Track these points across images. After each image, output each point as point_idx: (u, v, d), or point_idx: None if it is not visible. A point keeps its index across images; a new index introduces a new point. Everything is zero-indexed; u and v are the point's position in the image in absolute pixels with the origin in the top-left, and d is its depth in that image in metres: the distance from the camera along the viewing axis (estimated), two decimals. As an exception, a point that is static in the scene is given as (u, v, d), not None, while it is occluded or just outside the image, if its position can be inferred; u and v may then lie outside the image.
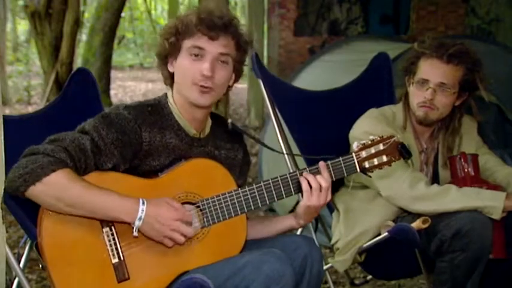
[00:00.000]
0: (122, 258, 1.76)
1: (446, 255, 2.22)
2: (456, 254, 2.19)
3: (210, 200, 1.84)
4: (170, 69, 1.92)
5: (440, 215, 2.24)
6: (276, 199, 1.88)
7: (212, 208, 1.84)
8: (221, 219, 1.85)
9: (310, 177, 1.87)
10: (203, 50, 1.86)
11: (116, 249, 1.76)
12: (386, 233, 2.30)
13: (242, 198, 1.85)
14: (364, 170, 1.93)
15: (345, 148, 2.44)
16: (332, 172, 1.90)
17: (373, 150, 1.93)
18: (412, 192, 2.31)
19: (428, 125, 2.45)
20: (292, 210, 2.12)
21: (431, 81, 2.37)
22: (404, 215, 2.39)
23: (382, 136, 1.96)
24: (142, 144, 1.82)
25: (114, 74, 11.72)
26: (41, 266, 1.82)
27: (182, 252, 1.81)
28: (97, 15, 9.56)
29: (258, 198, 1.86)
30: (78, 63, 9.83)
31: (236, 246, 1.88)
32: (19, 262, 2.02)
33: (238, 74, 1.96)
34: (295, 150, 2.58)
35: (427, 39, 2.46)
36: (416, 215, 2.28)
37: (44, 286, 3.27)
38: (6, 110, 8.98)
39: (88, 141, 1.76)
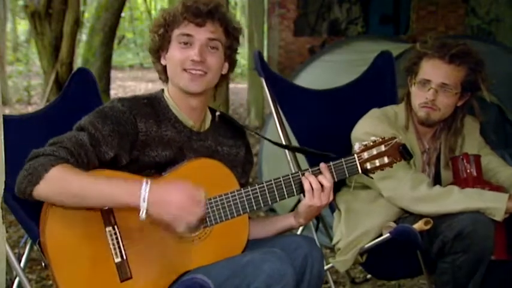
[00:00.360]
0: (124, 258, 1.76)
1: (448, 257, 2.21)
2: (458, 255, 2.19)
3: (212, 200, 1.84)
4: (163, 62, 1.93)
5: (442, 216, 2.23)
6: (278, 199, 1.88)
7: (215, 208, 1.84)
8: (223, 219, 1.85)
9: (312, 178, 1.87)
10: (191, 37, 1.87)
11: (119, 248, 1.75)
12: (388, 234, 2.29)
13: (245, 199, 1.85)
14: (365, 171, 1.93)
15: (346, 147, 2.43)
16: (334, 173, 1.91)
17: (374, 152, 1.94)
18: (414, 193, 2.30)
19: (430, 126, 2.45)
20: (293, 210, 2.11)
21: (433, 81, 2.37)
22: (406, 215, 2.39)
23: (384, 137, 1.96)
24: (139, 134, 1.83)
25: (114, 74, 11.72)
26: (43, 264, 1.83)
27: (184, 252, 1.81)
28: (97, 15, 9.55)
29: (260, 198, 1.86)
30: (78, 63, 9.82)
31: (238, 246, 1.88)
32: (19, 262, 2.02)
33: (231, 62, 1.97)
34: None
35: (429, 39, 2.45)
36: (418, 216, 2.28)
37: (44, 286, 3.27)
38: (6, 110, 8.98)
39: (85, 136, 1.77)
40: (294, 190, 1.89)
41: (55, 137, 1.78)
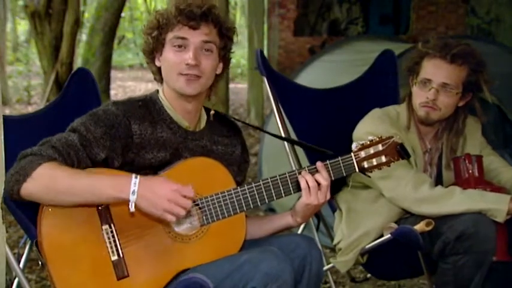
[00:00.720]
0: (121, 256, 1.76)
1: (449, 257, 2.21)
2: (459, 257, 2.19)
3: (209, 199, 1.84)
4: (157, 64, 1.94)
5: (444, 217, 2.23)
6: (275, 198, 1.88)
7: (211, 206, 1.84)
8: (220, 217, 1.85)
9: (309, 176, 1.87)
10: (185, 39, 1.87)
11: (115, 246, 1.75)
12: (389, 235, 2.29)
13: (241, 197, 1.86)
14: (363, 170, 1.94)
15: (348, 146, 2.43)
16: (331, 171, 1.91)
17: (372, 151, 1.94)
18: (416, 194, 2.30)
19: (430, 125, 2.45)
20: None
21: (434, 81, 2.37)
22: (407, 216, 2.38)
23: (381, 137, 1.96)
24: (133, 137, 1.83)
25: (114, 74, 11.72)
26: (40, 263, 1.83)
27: (181, 250, 1.81)
28: (97, 15, 9.56)
29: (257, 197, 1.87)
30: (78, 63, 9.82)
31: (235, 244, 1.88)
32: (19, 262, 2.02)
33: (225, 61, 1.98)
34: (298, 149, 2.58)
35: (432, 39, 2.45)
36: (419, 217, 2.28)
37: (44, 286, 3.27)
38: (6, 110, 8.99)
39: (76, 137, 1.77)
40: (291, 188, 1.89)
41: (44, 138, 1.79)
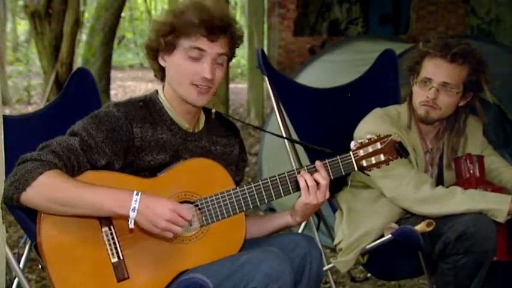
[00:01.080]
0: (121, 258, 1.75)
1: (449, 258, 2.21)
2: (460, 257, 2.19)
3: (208, 199, 1.84)
4: (162, 63, 1.91)
5: (445, 217, 2.23)
6: (274, 198, 1.88)
7: (211, 207, 1.84)
8: (220, 218, 1.85)
9: (308, 176, 1.87)
10: (203, 51, 1.85)
11: (115, 248, 1.75)
12: (389, 235, 2.29)
13: (241, 197, 1.85)
14: (361, 169, 1.94)
15: (349, 146, 2.43)
16: (330, 170, 1.91)
17: (370, 149, 1.94)
18: (417, 194, 2.30)
19: (430, 124, 2.44)
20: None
21: (435, 80, 2.37)
22: (408, 216, 2.38)
23: (380, 135, 1.96)
24: (134, 140, 1.82)
25: (114, 74, 11.72)
26: (40, 266, 1.82)
27: (181, 251, 1.81)
28: (97, 15, 9.55)
29: (256, 197, 1.86)
30: (78, 63, 9.83)
31: (235, 245, 1.88)
32: (19, 262, 2.02)
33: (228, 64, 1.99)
34: (298, 148, 2.58)
35: (432, 38, 2.45)
36: (420, 217, 2.27)
37: (44, 286, 3.27)
38: (6, 110, 8.99)
39: (77, 141, 1.76)
40: (290, 188, 1.89)
41: (45, 142, 1.77)
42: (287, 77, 2.98)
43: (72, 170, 1.74)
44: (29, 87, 10.87)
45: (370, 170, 1.95)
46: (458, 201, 2.24)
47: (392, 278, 2.90)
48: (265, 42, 9.88)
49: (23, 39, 18.75)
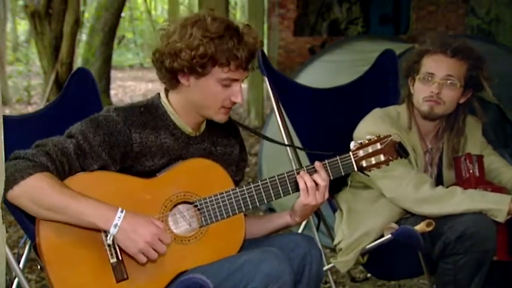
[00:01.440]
0: (120, 258, 1.75)
1: (449, 257, 2.21)
2: (460, 257, 2.19)
3: (207, 200, 1.84)
4: (183, 82, 1.84)
5: (445, 217, 2.23)
6: (273, 198, 1.88)
7: (210, 207, 1.84)
8: (219, 218, 1.85)
9: (307, 177, 1.87)
10: (237, 80, 1.84)
11: (114, 249, 1.75)
12: (389, 235, 2.29)
13: (240, 198, 1.85)
14: (361, 169, 1.94)
15: (348, 146, 2.43)
16: (329, 171, 1.90)
17: (370, 150, 1.94)
18: (417, 194, 2.29)
19: (433, 120, 2.44)
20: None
21: (437, 75, 2.37)
22: (408, 216, 2.38)
23: (379, 135, 1.96)
24: (133, 145, 1.81)
25: (114, 74, 11.72)
26: (39, 266, 1.82)
27: (180, 252, 1.81)
28: (97, 15, 9.56)
29: (255, 197, 1.86)
30: (78, 63, 9.84)
31: (234, 245, 1.87)
32: (19, 262, 2.02)
33: None
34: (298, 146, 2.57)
35: (428, 38, 2.46)
36: (420, 217, 2.27)
37: (44, 286, 3.27)
38: (6, 110, 8.99)
39: (72, 145, 1.75)
40: (290, 189, 1.89)
41: (41, 140, 1.77)
42: (287, 77, 2.98)
43: (64, 173, 1.74)
44: (29, 87, 10.87)
45: (369, 171, 1.95)
46: (458, 201, 2.24)
47: (392, 278, 2.90)
48: (265, 42, 9.88)
49: (23, 39, 18.75)
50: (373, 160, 1.94)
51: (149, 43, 19.22)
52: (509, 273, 2.39)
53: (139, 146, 1.82)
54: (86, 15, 13.59)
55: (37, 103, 9.98)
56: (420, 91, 2.41)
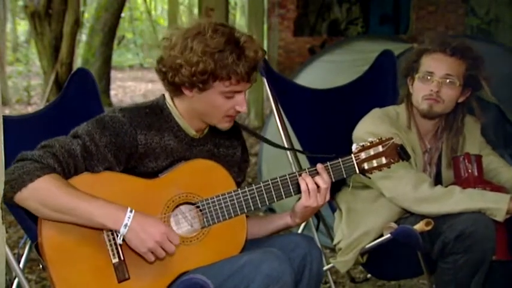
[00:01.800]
0: (122, 258, 1.75)
1: (449, 257, 2.21)
2: (459, 256, 2.19)
3: (210, 201, 1.84)
4: (186, 93, 1.83)
5: (444, 217, 2.23)
6: (275, 200, 1.88)
7: (212, 208, 1.84)
8: (221, 219, 1.85)
9: (309, 179, 1.87)
10: (240, 91, 1.84)
11: (116, 249, 1.75)
12: (388, 235, 2.29)
13: (242, 199, 1.85)
14: (363, 171, 1.94)
15: (348, 147, 2.43)
16: (331, 173, 1.91)
17: (372, 152, 1.94)
18: (416, 193, 2.30)
19: (432, 118, 2.44)
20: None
21: (437, 74, 2.37)
22: (407, 216, 2.38)
23: (381, 138, 1.96)
24: (138, 146, 1.81)
25: (114, 74, 11.72)
26: (41, 266, 1.82)
27: (182, 253, 1.81)
28: (97, 15, 9.57)
29: (257, 198, 1.86)
30: (78, 63, 9.83)
31: (236, 246, 1.88)
32: (19, 262, 2.02)
33: None
34: (297, 148, 2.57)
35: (426, 38, 2.47)
36: (419, 216, 2.28)
37: (44, 286, 3.27)
38: (6, 110, 8.98)
39: (79, 146, 1.75)
40: (291, 190, 1.89)
41: (47, 140, 1.77)
42: (286, 78, 2.98)
43: (69, 174, 1.75)
44: (29, 88, 10.86)
45: (371, 173, 1.95)
46: (457, 200, 2.24)
47: (392, 278, 2.90)
48: (265, 42, 9.88)
49: (23, 39, 18.74)
50: (374, 162, 1.94)
51: (149, 43, 19.23)
52: (509, 272, 2.39)
53: (144, 147, 1.82)
54: (86, 15, 13.59)
55: (37, 103, 9.98)
56: (419, 90, 2.41)
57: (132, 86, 13.67)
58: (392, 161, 1.95)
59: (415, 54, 2.46)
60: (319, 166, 1.89)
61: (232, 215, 1.85)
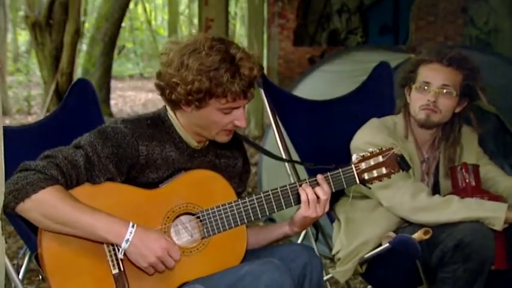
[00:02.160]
0: (122, 269, 1.75)
1: (448, 266, 2.21)
2: (458, 265, 2.18)
3: (210, 211, 1.84)
4: (185, 109, 1.84)
5: (442, 226, 2.23)
6: (275, 210, 1.89)
7: (212, 219, 1.84)
8: (221, 230, 1.85)
9: (309, 189, 1.87)
10: (237, 107, 1.84)
11: (117, 260, 1.75)
12: (387, 244, 2.29)
13: (242, 209, 1.86)
14: (363, 182, 1.94)
15: (346, 157, 2.43)
16: (332, 184, 1.91)
17: (372, 162, 1.94)
18: (414, 202, 2.30)
19: (429, 128, 2.45)
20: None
21: (433, 84, 2.39)
22: (406, 225, 2.38)
23: (381, 148, 1.96)
24: (139, 157, 1.82)
25: (114, 84, 11.75)
26: (40, 276, 1.82)
27: (182, 263, 1.81)
28: (97, 25, 9.60)
29: (258, 209, 1.87)
30: (78, 73, 9.85)
31: (236, 257, 1.88)
32: (18, 273, 2.02)
33: None
34: (296, 159, 2.58)
35: (423, 49, 2.48)
36: (418, 226, 2.28)
37: (43, 297, 3.26)
38: (6, 120, 9.00)
39: (81, 157, 1.75)
40: (292, 201, 1.89)
41: (50, 150, 1.77)
42: (283, 89, 3.00)
43: (71, 185, 1.75)
44: (29, 98, 10.89)
45: (372, 183, 1.95)
46: (455, 209, 2.24)
47: (391, 287, 2.89)
48: (265, 52, 9.91)
49: (24, 49, 18.79)
50: (375, 173, 1.94)
51: (149, 53, 19.27)
52: (507, 282, 2.39)
53: (145, 158, 1.82)
54: (87, 25, 13.63)
55: (37, 113, 9.99)
56: (417, 100, 2.42)
57: (132, 95, 13.70)
58: (392, 171, 1.96)
59: (412, 65, 2.48)
60: (319, 177, 1.89)
61: (233, 225, 1.85)
